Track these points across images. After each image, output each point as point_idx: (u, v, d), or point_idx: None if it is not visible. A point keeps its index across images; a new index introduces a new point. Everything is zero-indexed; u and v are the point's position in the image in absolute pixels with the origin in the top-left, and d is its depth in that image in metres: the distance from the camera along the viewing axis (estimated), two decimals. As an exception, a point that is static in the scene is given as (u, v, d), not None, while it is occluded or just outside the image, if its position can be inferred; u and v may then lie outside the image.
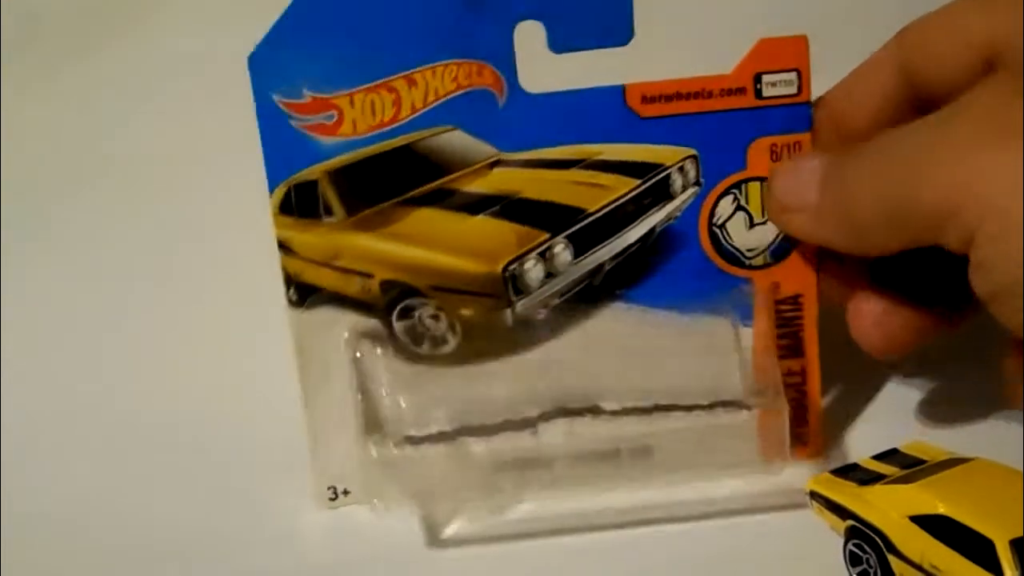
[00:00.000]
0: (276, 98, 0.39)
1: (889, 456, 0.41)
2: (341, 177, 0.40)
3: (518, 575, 0.41)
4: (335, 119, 0.40)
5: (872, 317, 0.41)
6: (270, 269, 0.42)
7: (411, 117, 0.40)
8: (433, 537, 0.43)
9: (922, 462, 0.40)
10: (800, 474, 0.42)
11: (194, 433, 0.48)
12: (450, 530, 0.43)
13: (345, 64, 0.39)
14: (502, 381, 0.43)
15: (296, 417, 0.43)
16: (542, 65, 0.40)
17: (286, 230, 0.41)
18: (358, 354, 0.41)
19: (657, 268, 0.42)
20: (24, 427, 0.50)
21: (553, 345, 0.42)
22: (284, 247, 0.41)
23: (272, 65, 0.39)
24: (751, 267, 0.42)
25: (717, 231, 0.42)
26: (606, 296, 0.42)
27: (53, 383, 0.52)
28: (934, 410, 0.46)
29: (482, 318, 0.42)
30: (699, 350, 0.42)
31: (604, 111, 0.40)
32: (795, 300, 0.42)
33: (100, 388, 0.51)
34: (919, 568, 0.36)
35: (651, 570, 0.40)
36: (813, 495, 0.41)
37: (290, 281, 0.41)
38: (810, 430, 0.44)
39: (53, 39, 0.54)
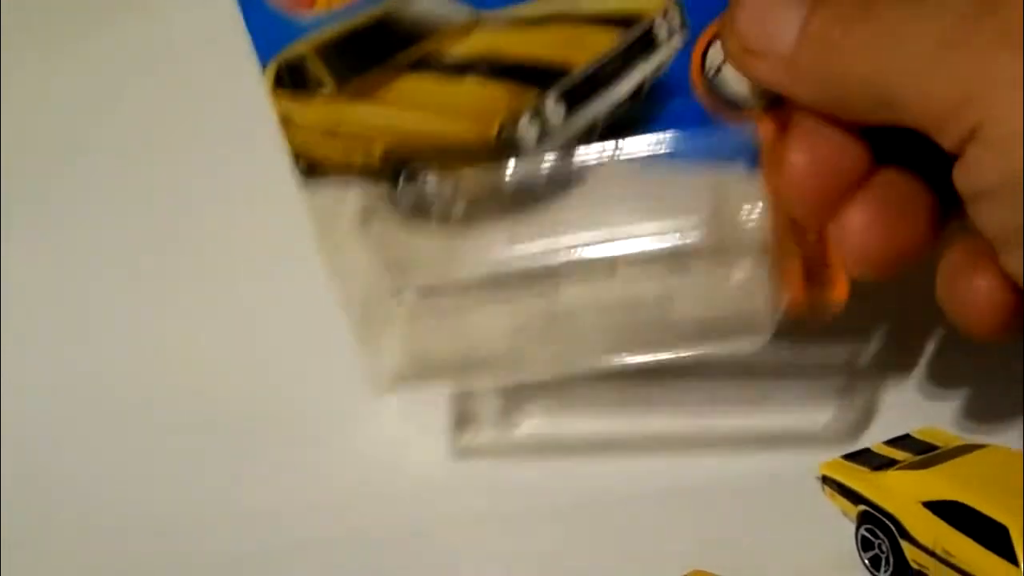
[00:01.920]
0: (252, -22, 0.40)
1: (901, 441, 0.41)
2: (326, 50, 0.41)
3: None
4: (309, -6, 0.40)
5: (863, 227, 0.37)
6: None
7: (384, -13, 0.40)
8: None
9: (935, 448, 0.40)
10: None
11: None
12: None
13: (314, -62, 0.39)
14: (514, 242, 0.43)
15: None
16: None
17: (285, 102, 0.42)
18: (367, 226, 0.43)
19: (654, 121, 0.41)
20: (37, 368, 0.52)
21: (559, 205, 0.42)
22: (285, 122, 0.42)
23: (244, -54, 0.39)
24: (753, 111, 0.40)
25: (711, 78, 0.40)
26: (605, 152, 0.41)
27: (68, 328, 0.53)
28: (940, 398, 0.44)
29: (484, 181, 0.42)
30: (709, 200, 0.41)
31: (579, -40, 0.39)
32: (802, 145, 0.40)
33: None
34: (932, 554, 0.36)
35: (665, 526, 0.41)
36: (825, 480, 0.40)
37: (296, 156, 0.43)
38: (833, 269, 0.42)
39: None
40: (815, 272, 0.42)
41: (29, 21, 0.55)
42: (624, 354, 0.42)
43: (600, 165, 0.41)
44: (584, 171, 0.41)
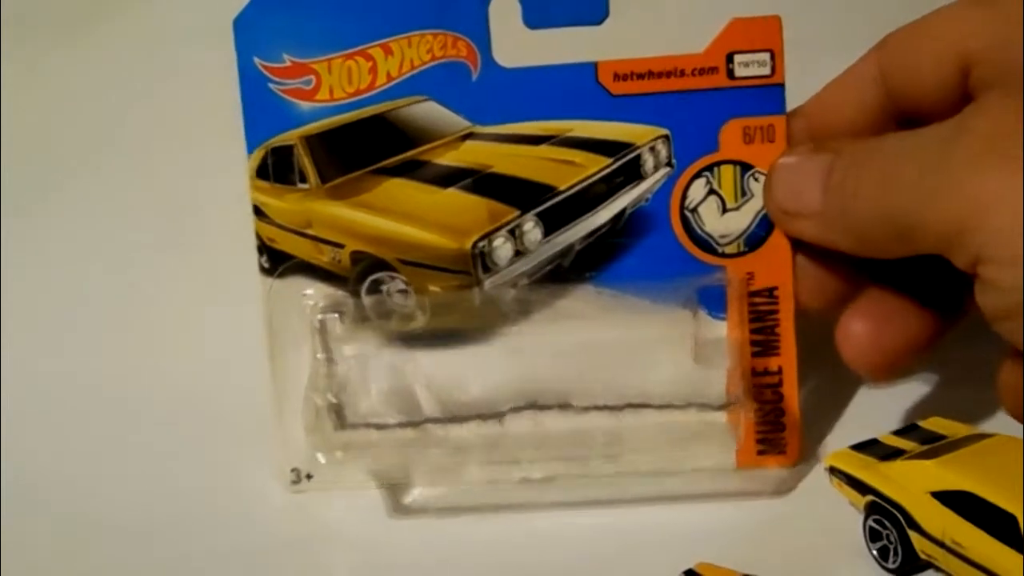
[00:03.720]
0: (257, 61, 0.41)
1: (909, 431, 0.41)
2: (316, 143, 0.41)
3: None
4: (313, 84, 0.41)
5: (864, 339, 0.39)
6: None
7: (386, 86, 0.41)
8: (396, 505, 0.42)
9: (942, 437, 0.39)
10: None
11: (167, 408, 0.49)
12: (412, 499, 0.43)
13: (324, 31, 0.40)
14: (470, 370, 0.42)
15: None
16: (517, 40, 0.40)
17: (261, 195, 0.42)
18: (321, 326, 0.42)
19: (628, 251, 0.41)
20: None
21: (522, 330, 0.42)
22: (259, 212, 0.42)
23: (255, 29, 0.41)
24: (724, 255, 0.41)
25: (689, 215, 0.41)
26: (576, 278, 0.41)
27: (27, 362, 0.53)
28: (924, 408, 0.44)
29: (450, 295, 0.42)
30: (671, 346, 0.41)
31: (576, 87, 0.40)
32: (770, 293, 0.41)
33: (76, 360, 0.52)
34: (940, 544, 0.36)
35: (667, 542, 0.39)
36: (833, 470, 0.40)
37: (263, 248, 0.42)
38: (787, 435, 0.42)
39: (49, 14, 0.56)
40: (770, 434, 0.42)
41: (28, 18, 0.55)
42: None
43: (566, 291, 0.41)
44: (549, 296, 0.42)
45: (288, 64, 0.41)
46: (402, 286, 0.42)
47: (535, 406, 0.41)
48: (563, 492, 0.42)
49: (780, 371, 0.41)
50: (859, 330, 0.40)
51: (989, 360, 0.38)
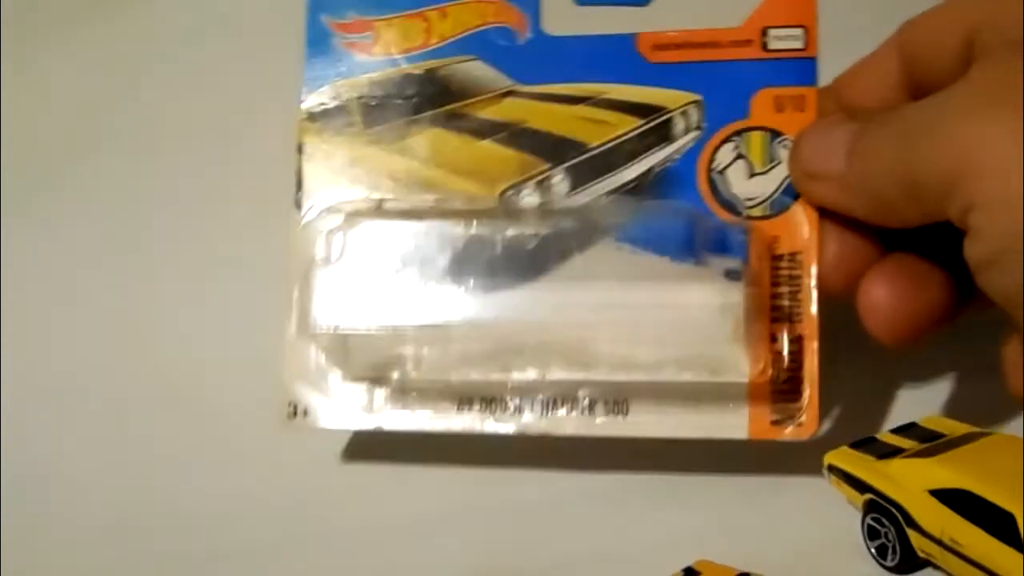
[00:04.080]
0: (324, 18, 0.44)
1: (908, 430, 0.40)
2: (367, 92, 0.44)
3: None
4: (371, 39, 0.44)
5: (886, 303, 0.39)
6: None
7: (438, 45, 0.44)
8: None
9: (941, 436, 0.39)
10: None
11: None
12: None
13: (389, -7, 0.44)
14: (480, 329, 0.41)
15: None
16: (565, 13, 0.43)
17: (308, 135, 0.44)
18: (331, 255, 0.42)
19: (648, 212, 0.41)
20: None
21: (539, 286, 0.42)
22: (302, 151, 0.44)
23: (329, -11, 0.45)
24: (749, 217, 0.41)
25: (716, 177, 0.41)
26: (598, 233, 0.41)
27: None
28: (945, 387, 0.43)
29: (472, 241, 0.42)
30: (689, 305, 0.40)
31: (615, 55, 0.42)
32: (793, 257, 0.40)
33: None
34: (939, 542, 0.36)
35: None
36: (831, 468, 0.40)
37: (301, 184, 0.44)
38: (804, 406, 0.39)
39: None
40: (786, 404, 0.39)
41: (29, 15, 0.58)
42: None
43: (588, 244, 0.41)
44: (571, 248, 0.41)
45: (352, 20, 0.44)
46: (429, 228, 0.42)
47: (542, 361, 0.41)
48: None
49: (800, 339, 0.40)
50: (881, 296, 0.38)
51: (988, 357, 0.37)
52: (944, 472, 0.36)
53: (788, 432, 0.39)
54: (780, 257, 0.40)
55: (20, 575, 0.43)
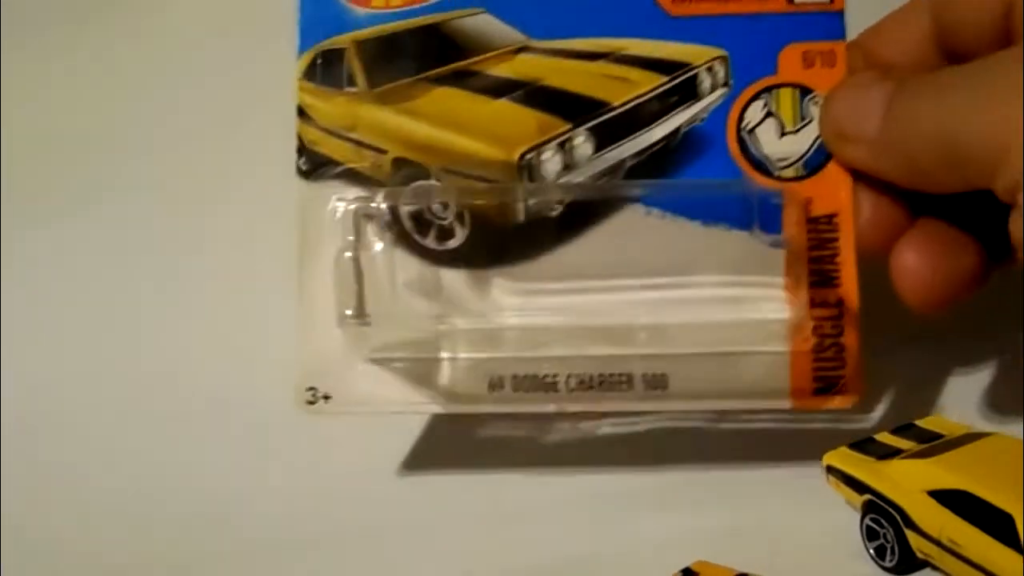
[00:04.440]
0: (317, -33, 0.41)
1: (906, 430, 0.40)
2: (368, 48, 0.41)
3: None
4: (369, -9, 0.41)
5: (918, 269, 0.38)
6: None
7: (443, -3, 0.41)
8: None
9: (940, 436, 0.39)
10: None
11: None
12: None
13: (388, -61, 0.41)
14: (508, 300, 0.40)
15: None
16: (579, -38, 0.41)
17: (308, 96, 0.41)
18: (353, 218, 0.40)
19: (681, 171, 0.40)
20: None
21: (566, 253, 0.40)
22: (303, 113, 0.41)
23: (321, -66, 0.41)
24: (781, 179, 0.39)
25: (746, 137, 0.40)
26: (625, 198, 0.40)
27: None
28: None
29: (493, 209, 0.40)
30: (723, 271, 0.39)
31: (634, 7, 0.40)
32: (830, 220, 0.39)
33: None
34: (937, 543, 0.36)
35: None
36: (830, 469, 0.40)
37: (303, 149, 0.41)
38: (847, 372, 0.39)
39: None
40: (829, 372, 0.39)
41: (30, 13, 0.55)
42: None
43: (615, 210, 0.39)
44: (596, 214, 0.40)
45: (347, -30, 0.41)
46: (443, 197, 0.40)
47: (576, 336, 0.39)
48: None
49: (840, 303, 0.39)
50: (913, 262, 0.38)
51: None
52: (943, 473, 0.36)
53: (833, 401, 0.39)
54: (817, 219, 0.39)
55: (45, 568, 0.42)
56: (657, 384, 0.39)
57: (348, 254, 0.39)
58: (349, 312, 0.39)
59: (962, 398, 0.44)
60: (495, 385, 0.39)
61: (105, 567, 0.42)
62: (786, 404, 0.39)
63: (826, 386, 0.39)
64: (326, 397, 0.40)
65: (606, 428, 0.43)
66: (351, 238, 0.39)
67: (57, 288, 0.52)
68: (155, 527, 0.43)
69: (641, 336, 0.39)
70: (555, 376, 0.39)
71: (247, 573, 0.41)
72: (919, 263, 0.38)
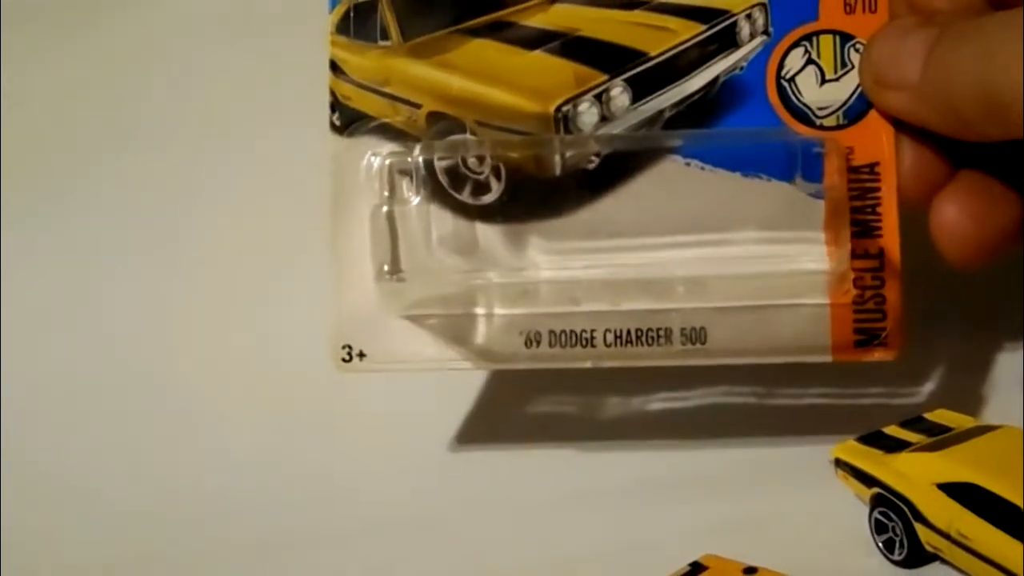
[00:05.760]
0: (347, -78, 0.40)
1: (915, 424, 0.40)
2: (402, 1, 0.40)
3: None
4: (401, -56, 0.40)
5: (958, 223, 0.37)
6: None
7: (478, -52, 0.40)
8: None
9: (949, 429, 0.39)
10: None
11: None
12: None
13: None
14: (544, 255, 0.39)
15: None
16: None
17: (340, 50, 0.40)
18: (388, 171, 0.39)
19: (720, 121, 0.39)
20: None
21: (602, 206, 0.39)
22: (335, 68, 0.40)
23: None
24: (822, 127, 0.39)
25: (786, 85, 0.39)
26: (663, 150, 0.39)
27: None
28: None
29: (529, 163, 0.39)
30: (764, 223, 0.39)
31: (673, -47, 0.40)
32: (872, 169, 0.38)
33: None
34: (947, 536, 0.35)
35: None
36: (838, 462, 0.40)
37: (336, 105, 0.40)
38: (888, 324, 0.38)
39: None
40: (869, 324, 0.38)
41: (31, 11, 0.55)
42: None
43: (653, 162, 0.39)
44: (634, 167, 0.39)
45: (378, -77, 0.40)
46: (479, 152, 0.39)
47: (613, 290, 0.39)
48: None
49: (881, 254, 0.38)
50: (954, 214, 0.37)
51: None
52: (952, 466, 0.36)
53: (874, 354, 0.38)
54: (858, 169, 0.38)
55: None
56: (696, 338, 0.39)
57: (384, 209, 0.39)
58: (385, 267, 0.39)
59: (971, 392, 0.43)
60: (531, 341, 0.39)
61: (116, 560, 0.42)
62: (827, 357, 0.39)
63: (867, 339, 0.38)
64: (361, 355, 0.40)
65: (656, 404, 0.44)
66: (386, 193, 0.39)
67: (60, 273, 0.53)
68: (171, 517, 0.43)
69: (679, 290, 0.38)
70: (592, 331, 0.39)
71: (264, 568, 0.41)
72: (960, 216, 0.37)
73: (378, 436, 0.45)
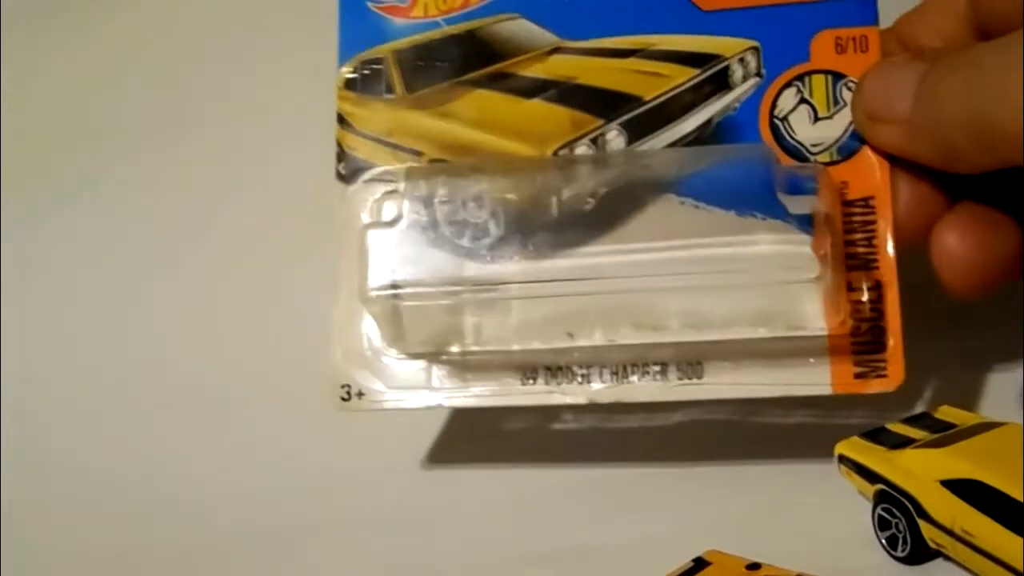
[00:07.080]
0: (358, -17, 0.42)
1: (919, 420, 0.40)
2: (406, 56, 0.42)
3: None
4: (408, 2, 0.42)
5: (959, 253, 0.37)
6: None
7: (478, 5, 0.42)
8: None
9: (952, 426, 0.39)
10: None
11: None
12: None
13: (425, -45, 0.42)
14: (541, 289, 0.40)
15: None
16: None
17: (347, 104, 0.42)
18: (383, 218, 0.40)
19: (715, 160, 0.39)
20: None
21: (599, 245, 0.40)
22: (342, 120, 0.42)
23: (362, -47, 0.43)
24: (816, 162, 0.39)
25: (779, 123, 0.39)
26: (658, 188, 0.39)
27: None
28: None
29: (527, 204, 0.40)
30: (759, 259, 0.38)
31: (666, 4, 0.40)
32: (866, 203, 0.38)
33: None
34: (950, 533, 0.35)
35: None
36: (842, 459, 0.39)
37: (342, 155, 0.42)
38: (887, 356, 0.38)
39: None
40: (868, 356, 0.38)
41: (31, 11, 0.57)
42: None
43: (649, 202, 0.39)
44: (630, 207, 0.39)
45: (387, -17, 0.42)
46: (477, 197, 0.40)
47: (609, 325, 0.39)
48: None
49: (879, 286, 0.38)
50: (954, 245, 0.37)
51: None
52: (956, 462, 0.35)
53: (874, 385, 0.38)
54: (852, 203, 0.38)
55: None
56: (692, 373, 0.39)
57: (377, 233, 0.40)
58: (377, 288, 0.39)
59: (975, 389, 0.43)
60: (528, 377, 0.39)
61: (117, 559, 0.42)
62: (826, 389, 0.38)
63: (866, 371, 0.38)
64: (360, 394, 0.40)
65: (634, 421, 0.43)
66: (381, 219, 0.40)
67: (58, 282, 0.54)
68: (169, 516, 0.44)
69: (674, 324, 0.39)
70: (588, 367, 0.39)
71: (262, 562, 0.42)
72: (962, 245, 0.37)
73: (378, 434, 0.44)
